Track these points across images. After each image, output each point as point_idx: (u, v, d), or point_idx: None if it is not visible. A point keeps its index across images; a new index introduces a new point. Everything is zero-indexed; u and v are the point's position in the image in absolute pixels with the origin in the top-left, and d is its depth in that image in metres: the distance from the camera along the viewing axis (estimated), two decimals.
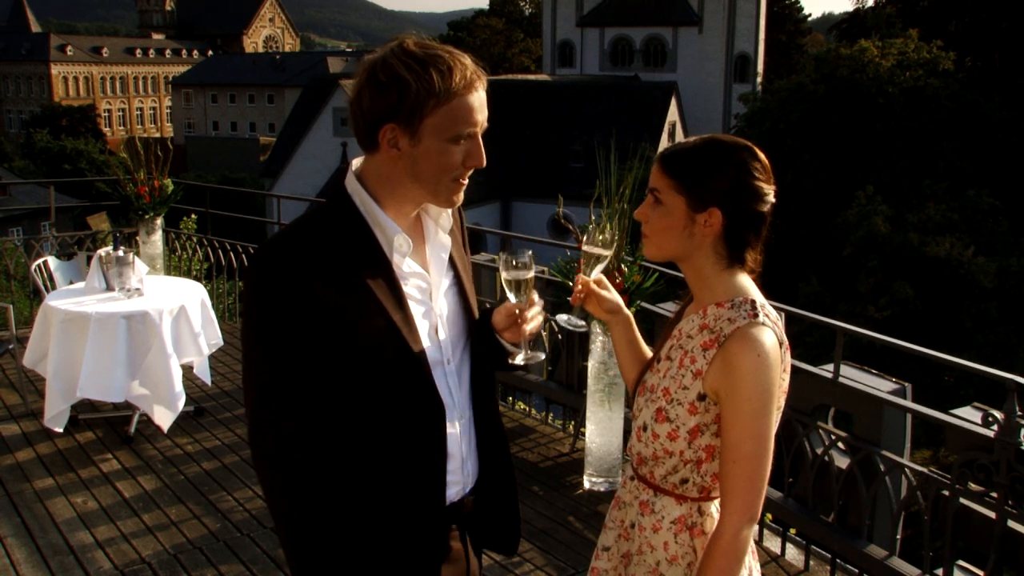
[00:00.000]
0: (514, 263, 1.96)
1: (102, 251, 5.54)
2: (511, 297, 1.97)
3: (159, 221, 7.53)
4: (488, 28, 70.70)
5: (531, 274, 1.98)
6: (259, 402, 1.74)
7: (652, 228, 1.92)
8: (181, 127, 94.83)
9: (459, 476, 1.92)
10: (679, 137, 41.43)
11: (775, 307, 4.45)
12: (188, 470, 5.02)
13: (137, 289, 5.32)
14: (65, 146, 71.26)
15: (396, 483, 1.82)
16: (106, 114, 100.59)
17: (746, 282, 1.90)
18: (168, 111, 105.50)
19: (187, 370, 5.61)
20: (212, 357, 5.93)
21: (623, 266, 4.63)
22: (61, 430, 5.23)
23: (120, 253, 5.37)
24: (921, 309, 22.98)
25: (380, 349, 1.75)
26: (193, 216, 27.52)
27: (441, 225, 1.91)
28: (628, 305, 4.60)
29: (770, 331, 1.81)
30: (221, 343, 5.78)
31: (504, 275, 1.98)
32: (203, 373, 5.73)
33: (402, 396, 1.80)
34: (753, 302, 1.85)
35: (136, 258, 5.50)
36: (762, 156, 1.88)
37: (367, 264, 1.76)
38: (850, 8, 42.71)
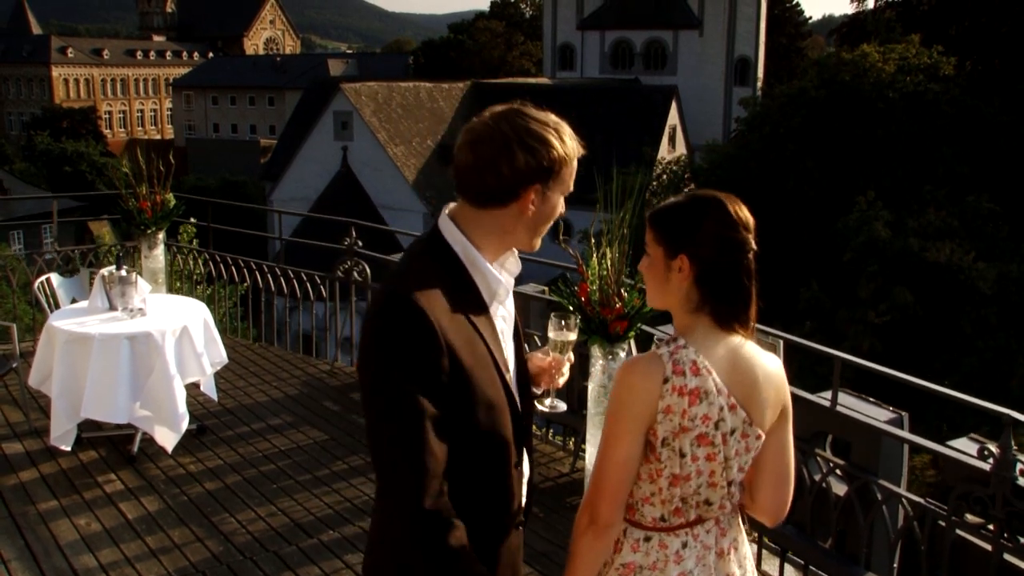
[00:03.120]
0: (562, 324, 2.25)
1: (105, 271, 5.57)
2: (551, 352, 2.26)
3: (161, 235, 7.55)
4: (488, 31, 70.72)
5: (574, 336, 2.27)
6: (408, 458, 1.74)
7: (645, 279, 2.12)
8: (182, 129, 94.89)
9: None
10: (679, 141, 41.49)
11: (776, 336, 4.48)
12: (191, 491, 5.05)
13: (140, 309, 5.35)
14: (66, 148, 71.35)
15: (487, 513, 1.95)
16: (107, 116, 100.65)
17: (701, 326, 2.02)
18: (169, 113, 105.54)
19: (193, 387, 5.64)
20: (215, 373, 5.97)
21: (623, 291, 4.66)
22: (68, 448, 5.27)
23: (123, 272, 5.40)
24: (921, 314, 23.00)
25: (489, 389, 1.87)
26: (193, 220, 27.51)
27: (509, 269, 2.02)
28: (627, 329, 4.65)
29: (659, 363, 1.97)
30: (225, 361, 5.81)
31: (552, 335, 2.25)
32: (209, 390, 5.76)
33: (499, 435, 1.92)
34: (675, 339, 2.02)
35: (139, 277, 5.53)
36: (737, 209, 2.02)
37: (474, 310, 1.88)
38: (850, 11, 42.63)
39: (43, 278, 6.29)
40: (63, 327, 5.17)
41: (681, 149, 41.44)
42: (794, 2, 71.86)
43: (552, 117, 1.94)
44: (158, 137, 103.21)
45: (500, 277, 1.93)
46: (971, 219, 23.93)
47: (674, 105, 40.61)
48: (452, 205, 1.96)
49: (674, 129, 40.63)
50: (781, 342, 4.23)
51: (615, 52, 59.32)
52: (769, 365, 2.07)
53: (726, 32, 56.44)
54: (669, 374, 1.96)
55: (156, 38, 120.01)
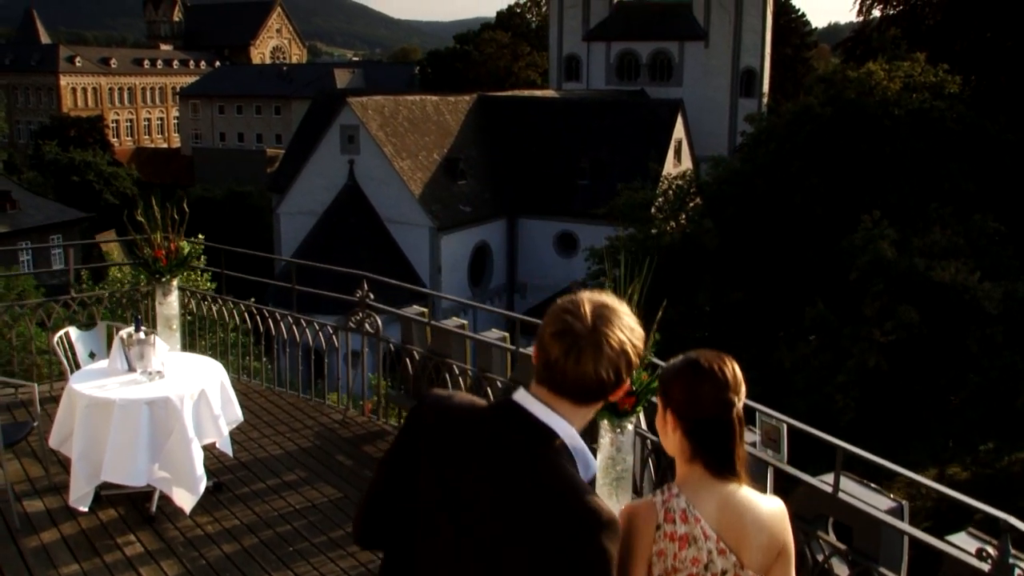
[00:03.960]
0: None
1: (124, 332, 5.69)
2: None
3: (175, 282, 7.68)
4: (494, 42, 70.96)
5: None
6: None
7: (657, 428, 2.34)
8: (188, 138, 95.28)
9: None
10: (685, 154, 41.57)
11: (779, 419, 4.57)
12: (209, 554, 5.16)
13: (158, 372, 5.47)
14: (73, 158, 71.63)
15: None
16: (114, 124, 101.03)
17: (696, 474, 2.23)
18: (175, 121, 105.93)
19: (209, 444, 5.75)
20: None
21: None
22: (86, 509, 5.39)
23: (141, 334, 5.52)
24: (927, 333, 23.04)
25: None
26: (201, 237, 27.52)
27: None
28: (635, 405, 4.75)
29: (652, 512, 2.19)
30: (240, 420, 5.93)
31: None
32: (224, 446, 5.87)
33: None
34: (669, 487, 2.24)
35: (157, 337, 5.65)
36: (726, 371, 2.23)
37: None
38: (855, 19, 42.65)
39: (62, 332, 6.42)
40: (84, 391, 5.30)
41: (687, 162, 41.52)
42: (799, 13, 71.98)
43: (628, 309, 2.03)
44: (164, 146, 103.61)
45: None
46: (977, 238, 23.97)
47: (680, 118, 40.68)
48: (538, 393, 2.00)
49: (680, 142, 40.73)
50: (784, 426, 4.33)
51: (621, 63, 59.50)
52: (764, 509, 2.23)
53: (732, 44, 56.59)
54: (661, 521, 2.19)
55: (163, 47, 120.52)
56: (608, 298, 2.03)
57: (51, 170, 71.10)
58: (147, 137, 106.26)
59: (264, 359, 8.91)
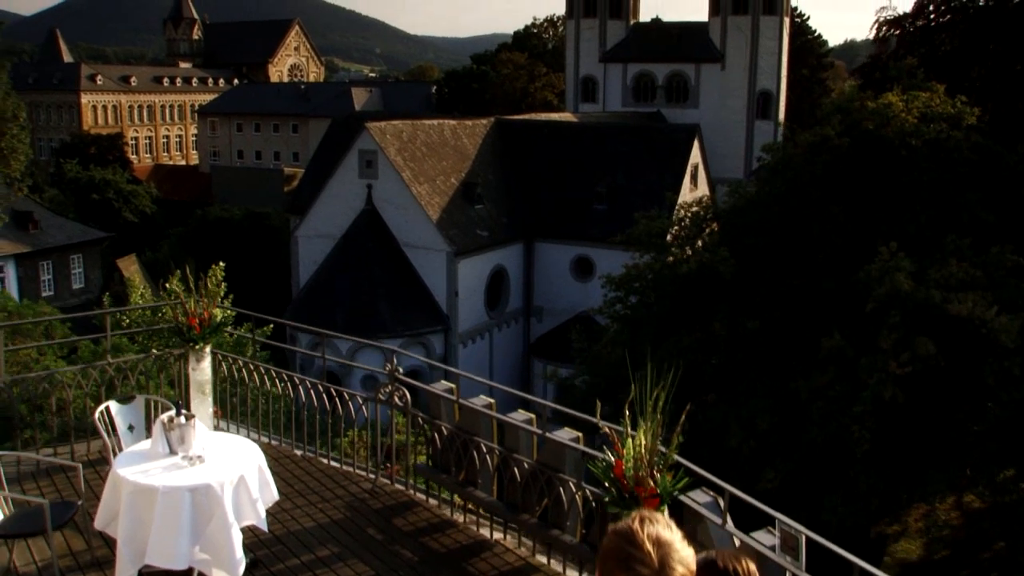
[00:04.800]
0: None
1: (164, 416, 5.88)
2: None
3: (208, 348, 7.88)
4: (511, 63, 71.42)
5: None
6: None
7: None
8: (206, 155, 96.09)
9: None
10: (701, 179, 41.69)
11: (798, 530, 4.71)
12: None
13: (199, 456, 5.66)
14: (93, 176, 72.34)
15: None
16: (133, 142, 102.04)
17: None
18: (193, 139, 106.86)
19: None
20: None
21: (655, 471, 4.89)
22: None
23: (182, 419, 5.72)
24: (943, 365, 23.04)
25: None
26: (221, 265, 27.60)
27: None
28: (659, 506, 4.91)
29: None
30: (276, 499, 6.10)
31: None
32: (261, 524, 6.05)
33: None
34: None
35: (197, 421, 5.84)
36: (740, 572, 2.38)
37: None
38: (871, 36, 42.74)
39: (103, 407, 6.62)
40: (128, 477, 5.49)
41: (703, 186, 41.66)
42: (815, 33, 72.10)
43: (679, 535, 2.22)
44: (183, 163, 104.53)
45: None
46: (995, 270, 23.95)
47: (696, 142, 40.84)
48: None
49: (696, 167, 40.86)
50: (803, 536, 4.47)
51: (637, 85, 59.76)
52: None
53: (748, 66, 56.78)
54: None
55: (183, 65, 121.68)
56: (661, 529, 2.20)
57: (72, 188, 71.86)
58: (166, 154, 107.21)
59: (294, 420, 9.07)
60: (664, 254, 28.85)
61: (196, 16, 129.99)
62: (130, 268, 41.79)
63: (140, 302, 28.32)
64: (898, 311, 23.25)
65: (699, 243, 29.26)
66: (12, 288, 45.35)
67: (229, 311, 8.61)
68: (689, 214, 30.33)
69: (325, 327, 35.23)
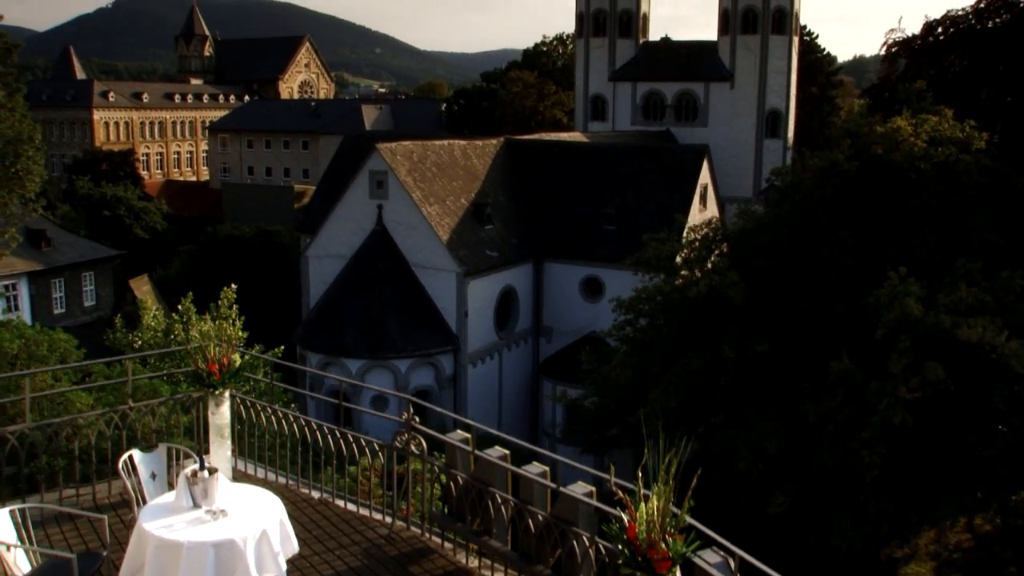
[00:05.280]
0: None
1: (188, 470, 6.01)
2: None
3: (227, 392, 8.01)
4: (520, 81, 71.77)
5: None
6: None
7: None
8: (217, 171, 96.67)
9: None
10: (711, 199, 41.81)
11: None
12: None
13: (222, 510, 5.79)
14: (105, 193, 72.80)
15: None
16: (144, 158, 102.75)
17: None
18: (204, 155, 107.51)
19: None
20: None
21: (668, 534, 4.99)
22: None
23: (205, 473, 5.85)
24: (953, 390, 23.04)
25: None
26: (233, 287, 27.73)
27: None
28: (670, 568, 5.01)
29: None
30: (296, 551, 6.22)
31: None
32: (281, 574, 6.17)
33: None
34: None
35: (219, 473, 5.96)
36: None
37: None
38: (880, 52, 42.90)
39: (126, 456, 6.76)
40: (153, 531, 5.62)
41: (712, 206, 41.79)
42: (824, 52, 72.26)
43: None
44: (193, 178, 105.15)
45: None
46: (1004, 295, 23.97)
47: (705, 163, 40.97)
48: None
49: (705, 187, 41.00)
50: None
51: (647, 104, 60.01)
52: None
53: (757, 85, 57.00)
54: None
55: (194, 81, 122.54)
56: None
57: (83, 205, 72.31)
58: (176, 170, 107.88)
59: (311, 462, 9.18)
60: (673, 277, 28.96)
61: (208, 33, 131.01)
62: (142, 288, 42.02)
63: (152, 324, 28.52)
64: (908, 336, 23.27)
65: (708, 265, 29.36)
66: (24, 306, 45.62)
67: (248, 355, 8.72)
68: (699, 236, 30.43)
69: (335, 347, 35.61)
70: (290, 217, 66.03)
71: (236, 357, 7.91)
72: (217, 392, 7.81)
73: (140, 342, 28.03)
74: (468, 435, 7.59)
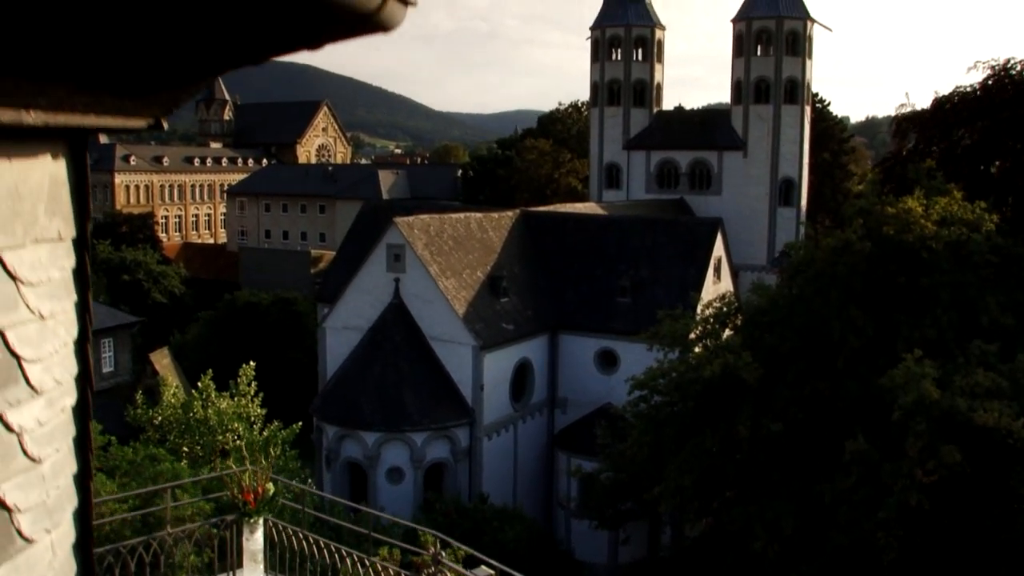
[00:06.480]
0: None
1: None
2: None
3: (261, 519, 8.28)
4: (536, 149, 72.71)
5: None
6: None
7: None
8: (234, 234, 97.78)
9: None
10: (724, 272, 42.14)
11: None
12: None
13: None
14: (124, 257, 73.71)
15: None
16: (163, 220, 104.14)
17: None
18: (222, 217, 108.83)
19: None
20: None
21: None
22: None
23: None
24: (970, 472, 23.06)
25: None
26: (252, 364, 28.03)
27: None
28: None
29: None
30: None
31: None
32: None
33: None
34: None
35: None
36: None
37: None
38: (892, 112, 43.50)
39: None
40: None
41: (726, 279, 42.08)
42: (836, 119, 73.11)
43: None
44: (211, 241, 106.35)
45: None
46: (1020, 378, 24.04)
47: (719, 236, 41.37)
48: None
49: (719, 260, 41.34)
50: None
51: (661, 172, 60.76)
52: None
53: (770, 154, 57.66)
54: None
55: (213, 144, 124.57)
56: None
57: (103, 269, 73.18)
58: (195, 232, 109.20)
59: None
60: (687, 353, 29.18)
61: (228, 97, 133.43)
62: (162, 362, 42.40)
63: (172, 401, 28.88)
64: (923, 418, 23.36)
65: (723, 336, 29.59)
66: None
67: (280, 483, 8.99)
68: (712, 313, 30.71)
69: (352, 419, 35.83)
70: (307, 282, 66.69)
71: (270, 486, 8.19)
72: (252, 520, 8.08)
73: (160, 418, 28.39)
74: (492, 572, 7.81)
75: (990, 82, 37.00)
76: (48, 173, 2.16)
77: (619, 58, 61.60)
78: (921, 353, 24.33)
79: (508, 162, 73.31)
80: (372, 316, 37.41)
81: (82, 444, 2.37)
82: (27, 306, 2.07)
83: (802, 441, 26.69)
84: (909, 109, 40.63)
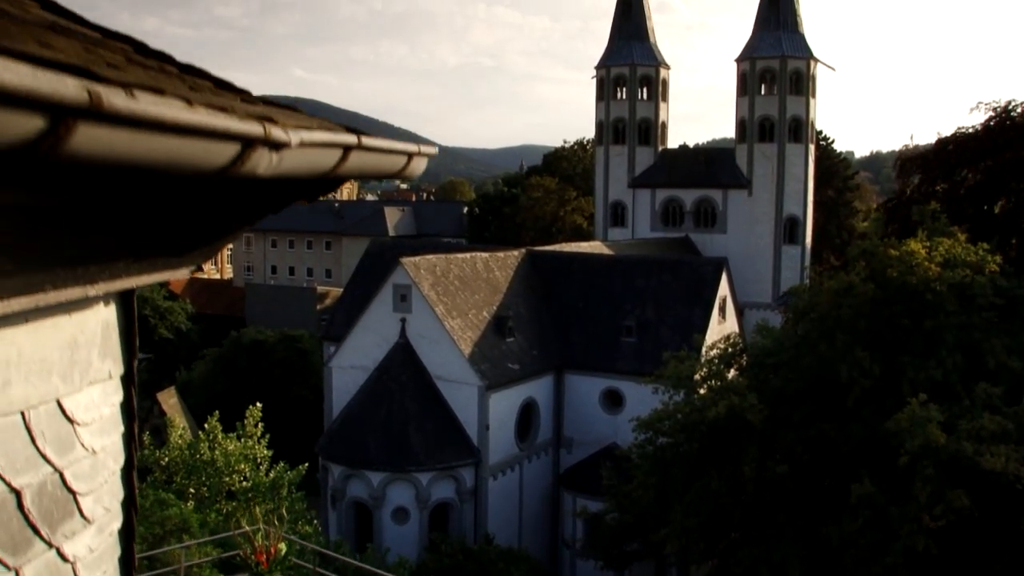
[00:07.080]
0: None
1: None
2: None
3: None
4: (541, 187, 73.12)
5: None
6: None
7: None
8: (240, 269, 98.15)
9: None
10: (730, 311, 42.27)
11: None
12: None
13: None
14: None
15: None
16: None
17: None
18: (229, 253, 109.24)
19: None
20: None
21: None
22: None
23: None
24: (978, 517, 23.03)
25: None
26: (259, 406, 28.07)
27: None
28: None
29: None
30: None
31: None
32: None
33: None
34: None
35: None
36: None
37: None
38: (896, 147, 43.85)
39: None
40: None
41: (731, 318, 42.21)
42: (841, 156, 73.54)
43: None
44: (217, 276, 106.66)
45: None
46: None
47: (724, 276, 41.53)
48: None
49: (724, 299, 41.47)
50: None
51: (666, 210, 61.05)
52: None
53: (775, 192, 57.96)
54: None
55: None
56: None
57: None
58: (200, 268, 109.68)
59: None
60: (692, 395, 29.26)
61: None
62: (169, 402, 42.48)
63: (179, 442, 28.99)
64: (930, 462, 23.37)
65: (728, 376, 29.68)
66: None
67: (293, 541, 9.11)
68: (717, 354, 30.81)
69: (357, 459, 35.85)
70: (312, 319, 66.90)
71: (283, 546, 8.30)
72: None
73: (167, 459, 28.47)
74: None
75: (992, 123, 37.37)
76: (102, 320, 2.33)
77: (624, 97, 62.10)
78: (926, 396, 24.37)
79: (514, 200, 73.71)
80: (378, 356, 37.56)
81: (126, 563, 2.52)
82: (82, 444, 2.23)
83: (808, 483, 26.68)
84: (912, 151, 40.91)
